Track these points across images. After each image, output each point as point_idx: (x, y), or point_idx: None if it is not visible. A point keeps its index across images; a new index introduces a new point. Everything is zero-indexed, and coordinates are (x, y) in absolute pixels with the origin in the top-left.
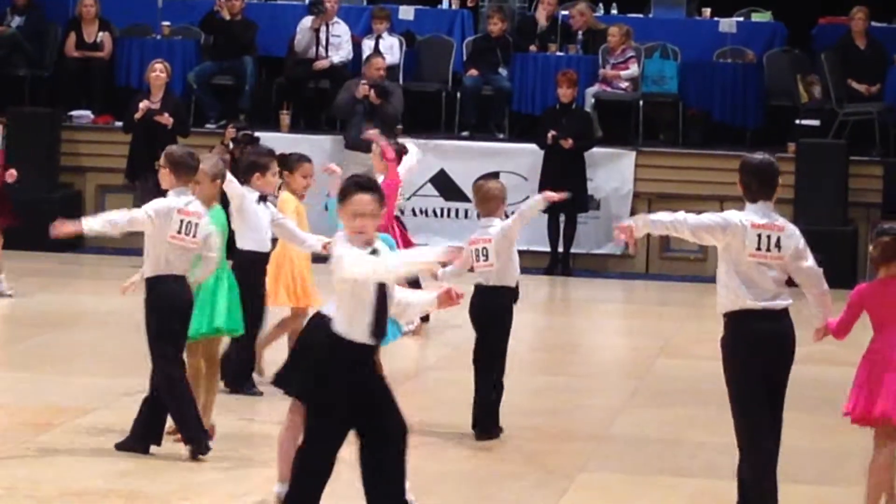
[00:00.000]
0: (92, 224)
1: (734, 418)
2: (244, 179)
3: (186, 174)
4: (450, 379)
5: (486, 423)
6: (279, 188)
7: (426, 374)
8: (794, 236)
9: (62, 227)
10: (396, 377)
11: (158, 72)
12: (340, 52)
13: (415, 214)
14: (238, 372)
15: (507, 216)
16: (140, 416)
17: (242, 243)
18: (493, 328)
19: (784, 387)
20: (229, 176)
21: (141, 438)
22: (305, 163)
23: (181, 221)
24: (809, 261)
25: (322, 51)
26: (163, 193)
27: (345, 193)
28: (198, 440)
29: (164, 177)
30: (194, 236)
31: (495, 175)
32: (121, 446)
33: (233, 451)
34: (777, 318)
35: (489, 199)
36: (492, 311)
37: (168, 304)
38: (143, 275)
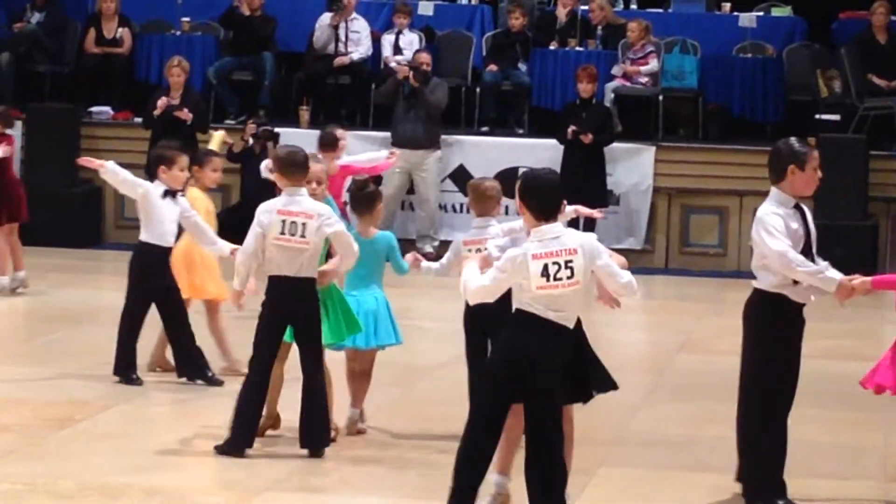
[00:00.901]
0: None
1: None
2: (151, 173)
3: (297, 173)
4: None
5: None
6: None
7: (441, 370)
8: (756, 220)
9: None
10: (412, 374)
11: (176, 76)
12: (360, 47)
13: None
14: (185, 362)
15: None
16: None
17: (143, 236)
18: (501, 330)
19: (745, 364)
20: (127, 173)
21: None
22: (214, 157)
23: (283, 222)
24: (764, 247)
25: (341, 47)
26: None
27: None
28: (234, 442)
29: (277, 180)
30: (302, 236)
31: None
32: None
33: (255, 447)
34: (750, 298)
35: (486, 199)
36: (497, 311)
37: (268, 307)
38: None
